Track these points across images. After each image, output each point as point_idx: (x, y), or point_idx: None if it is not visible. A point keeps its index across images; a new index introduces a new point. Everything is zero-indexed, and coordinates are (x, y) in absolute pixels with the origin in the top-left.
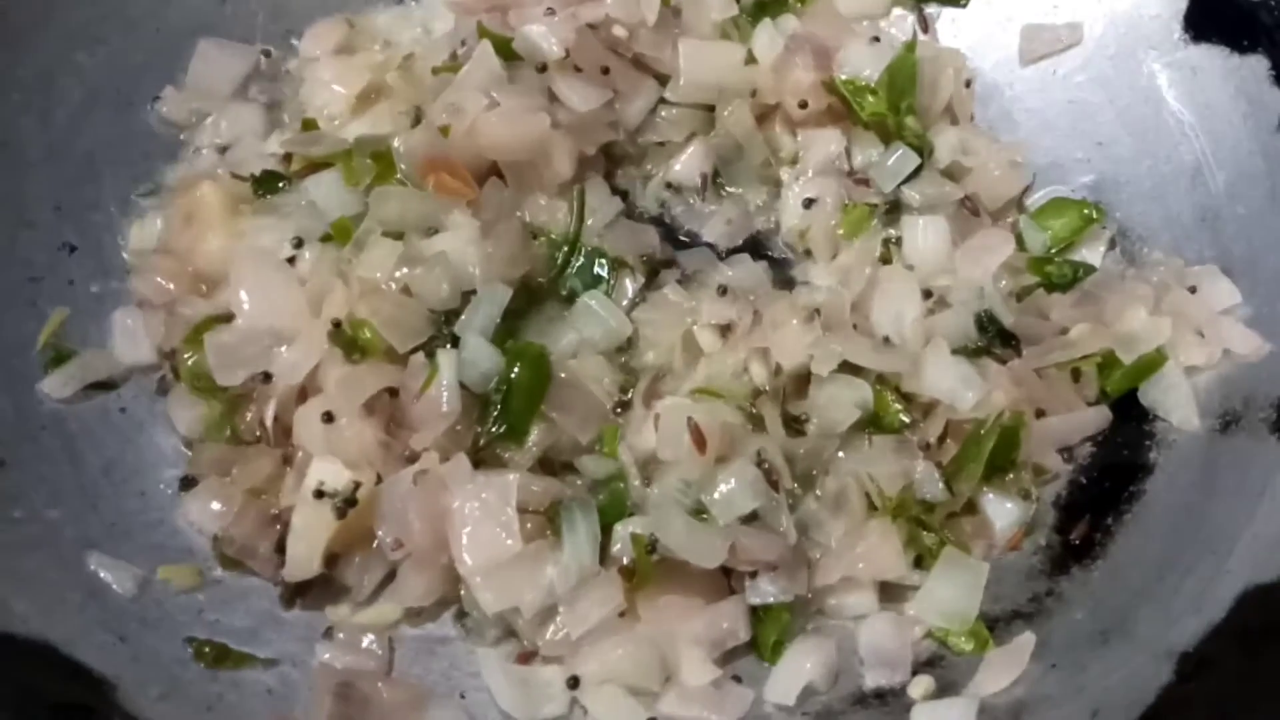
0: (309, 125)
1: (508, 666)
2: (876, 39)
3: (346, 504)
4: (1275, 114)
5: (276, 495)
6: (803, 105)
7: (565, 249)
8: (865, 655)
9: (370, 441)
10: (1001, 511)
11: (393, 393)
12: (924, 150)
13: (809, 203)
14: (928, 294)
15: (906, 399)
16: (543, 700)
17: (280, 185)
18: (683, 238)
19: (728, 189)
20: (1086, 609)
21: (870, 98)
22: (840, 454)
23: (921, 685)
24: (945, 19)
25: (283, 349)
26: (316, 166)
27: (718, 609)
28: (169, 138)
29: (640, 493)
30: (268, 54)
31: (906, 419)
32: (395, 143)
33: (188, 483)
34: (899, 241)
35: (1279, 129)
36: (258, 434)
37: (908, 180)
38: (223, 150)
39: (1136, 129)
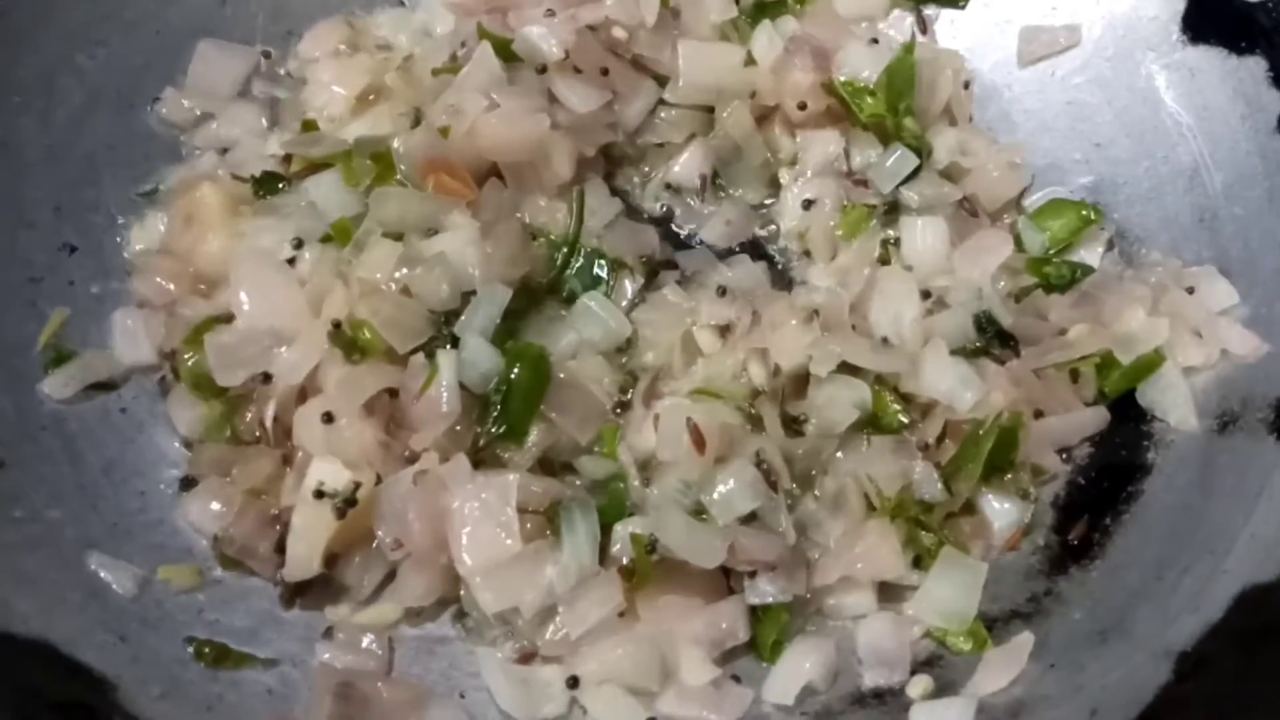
0: (309, 126)
1: (507, 666)
2: (875, 40)
3: (346, 504)
4: (1273, 115)
5: (276, 495)
6: (802, 106)
7: (565, 250)
8: (864, 655)
9: (370, 442)
10: (1000, 512)
11: (392, 393)
12: (923, 151)
13: (808, 204)
14: (926, 295)
15: (905, 399)
16: (542, 700)
17: (280, 186)
18: (682, 238)
19: (727, 190)
20: (1085, 609)
21: (869, 99)
22: (839, 454)
23: (920, 685)
24: (944, 20)
25: (283, 349)
26: (316, 167)
27: (717, 609)
28: (169, 139)
29: (639, 493)
30: (268, 55)
31: (905, 419)
32: (395, 144)
33: (188, 483)
34: (898, 242)
35: (1277, 130)
36: (258, 434)
37: (906, 181)
38: (223, 151)
39: (1135, 130)
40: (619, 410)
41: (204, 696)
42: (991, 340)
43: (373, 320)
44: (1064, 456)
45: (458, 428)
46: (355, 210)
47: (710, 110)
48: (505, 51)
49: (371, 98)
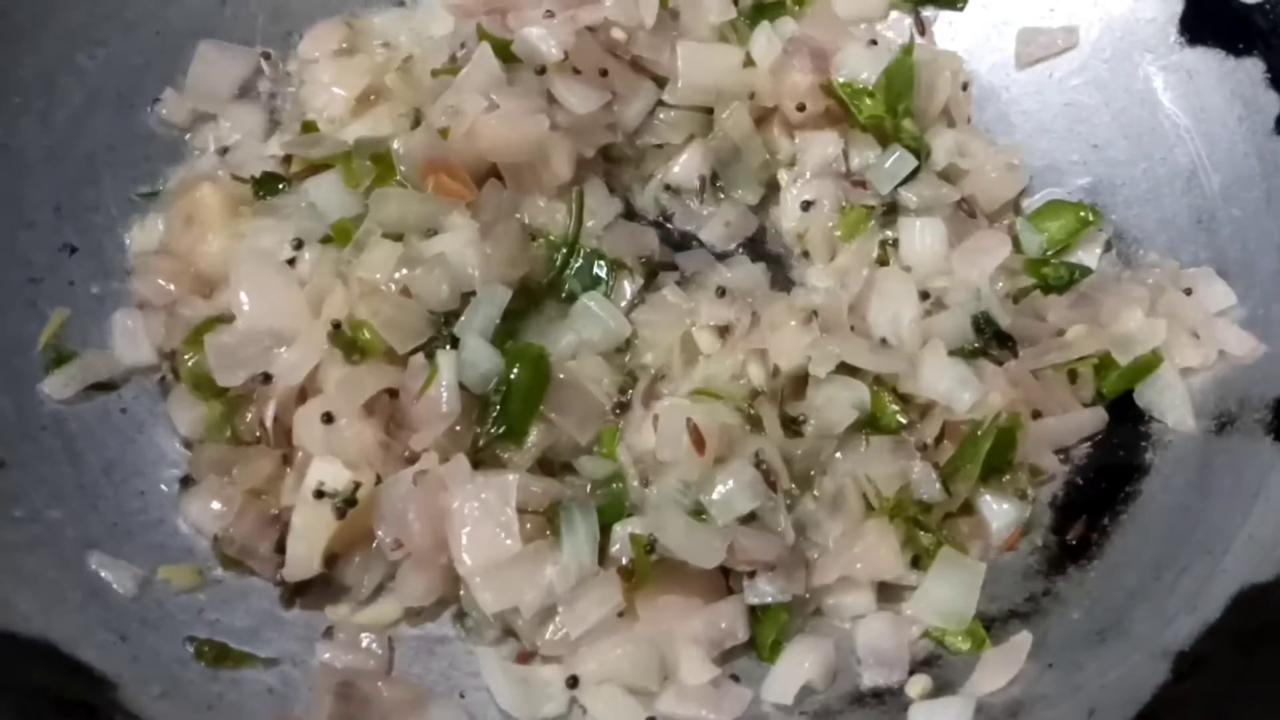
0: (309, 127)
1: (507, 666)
2: (874, 42)
3: (346, 504)
4: (1270, 117)
5: (276, 495)
6: (800, 108)
7: (564, 250)
8: (863, 655)
9: (370, 442)
10: (998, 512)
11: (392, 393)
12: (921, 152)
13: (807, 205)
14: (925, 295)
15: (904, 400)
16: (542, 700)
17: (280, 187)
18: (681, 239)
19: (726, 191)
20: (1083, 609)
21: (868, 100)
22: (838, 455)
23: (919, 684)
24: (942, 22)
25: (283, 350)
26: (316, 168)
27: (716, 609)
28: (169, 139)
29: (639, 493)
30: (267, 56)
31: (904, 420)
32: (395, 144)
33: (188, 483)
34: (896, 243)
35: (1274, 132)
36: (258, 434)
37: (905, 182)
38: (223, 152)
39: (1132, 132)
40: (618, 411)
41: (204, 696)
42: (990, 341)
43: (373, 321)
44: (1062, 457)
45: (457, 428)
46: (355, 211)
47: (709, 111)
48: (505, 53)
49: (371, 98)
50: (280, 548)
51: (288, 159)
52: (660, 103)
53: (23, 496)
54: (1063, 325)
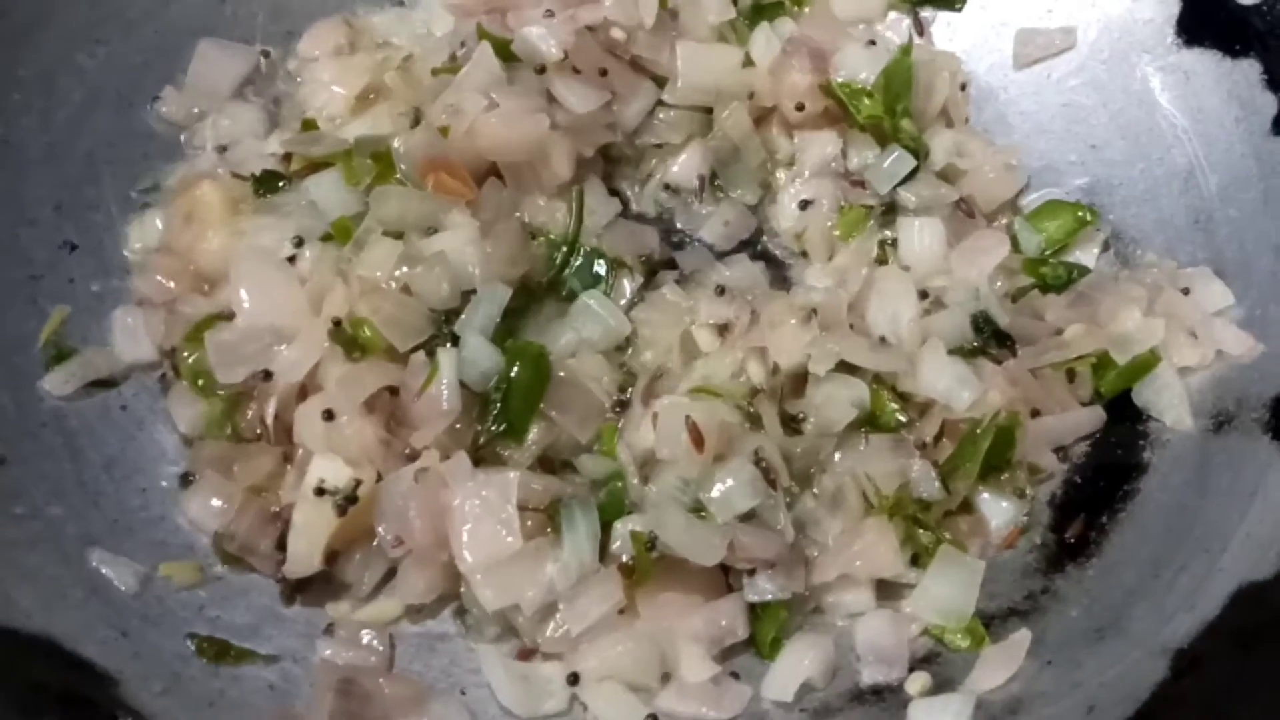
0: (308, 125)
1: (508, 663)
2: (872, 42)
3: (347, 501)
4: (1267, 118)
5: (277, 492)
6: (799, 108)
7: (564, 249)
8: (862, 652)
9: (371, 439)
10: (997, 510)
11: (393, 391)
12: (919, 152)
13: (805, 204)
14: (924, 295)
15: (903, 398)
16: (543, 696)
17: (280, 185)
18: (680, 239)
19: (725, 190)
20: (1082, 606)
21: (866, 100)
22: (837, 453)
23: (918, 682)
24: (940, 23)
25: (283, 347)
26: (316, 166)
27: (716, 606)
28: (169, 137)
29: (639, 491)
30: (267, 54)
31: (903, 418)
32: (395, 143)
33: (188, 480)
34: (895, 243)
35: (1271, 132)
36: (258, 431)
37: (903, 182)
38: (222, 150)
39: (1130, 132)
40: (618, 409)
41: (205, 692)
42: (988, 340)
43: (373, 318)
44: (1060, 456)
45: (458, 425)
46: (355, 209)
47: (708, 111)
48: (504, 52)
49: (371, 97)
50: (281, 545)
51: (287, 157)
52: (660, 102)
53: (23, 493)
54: (1061, 324)
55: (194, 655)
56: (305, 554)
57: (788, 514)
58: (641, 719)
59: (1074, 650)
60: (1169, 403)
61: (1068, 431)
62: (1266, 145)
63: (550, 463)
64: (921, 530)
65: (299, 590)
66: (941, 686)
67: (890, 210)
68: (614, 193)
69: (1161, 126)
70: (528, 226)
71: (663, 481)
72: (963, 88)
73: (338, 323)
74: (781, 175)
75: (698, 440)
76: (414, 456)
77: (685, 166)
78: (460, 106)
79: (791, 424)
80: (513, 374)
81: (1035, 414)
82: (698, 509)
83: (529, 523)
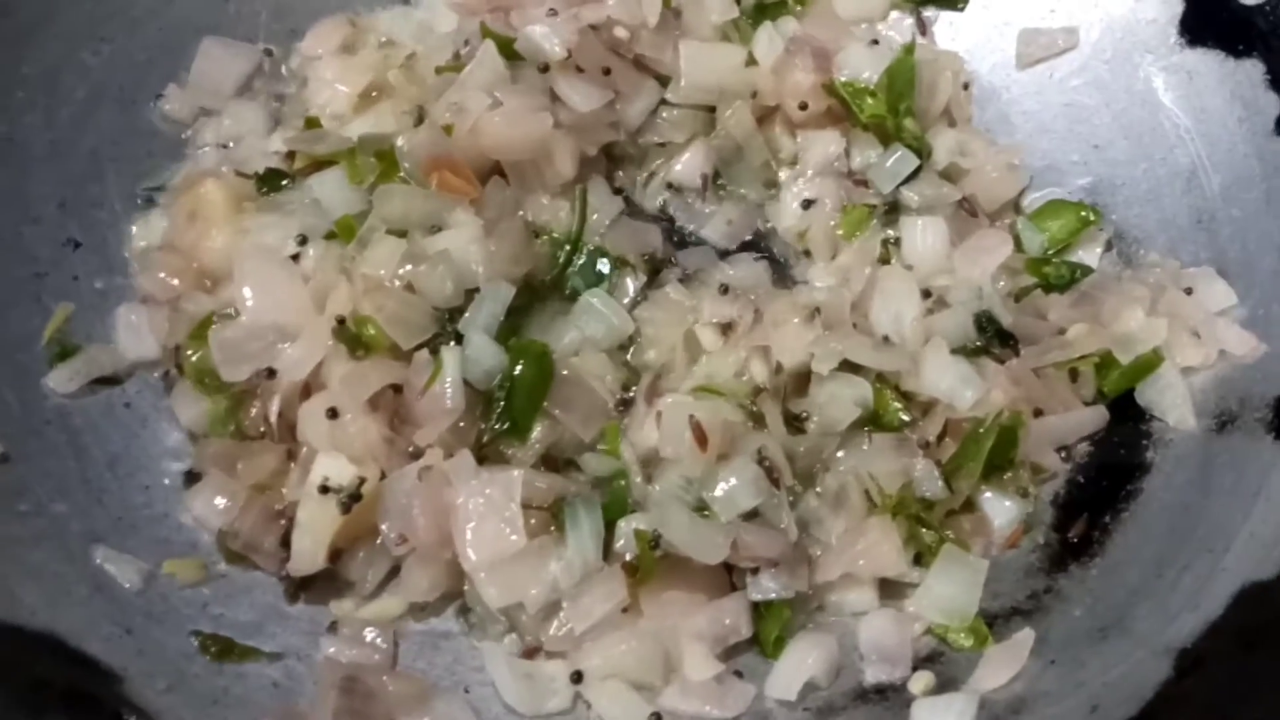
0: (312, 123)
1: (512, 661)
2: (875, 42)
3: (351, 499)
4: (1270, 117)
5: (281, 490)
6: (802, 107)
7: (567, 248)
8: (866, 651)
9: (374, 437)
10: (1000, 509)
11: (397, 389)
12: (922, 152)
13: (808, 203)
14: (927, 294)
15: (906, 398)
16: (547, 695)
17: (284, 183)
18: (684, 237)
19: (728, 189)
20: (1085, 606)
21: (869, 100)
22: (840, 452)
23: (922, 681)
24: (943, 22)
25: (287, 345)
26: (320, 164)
27: (720, 605)
28: (173, 135)
29: (642, 490)
30: (270, 53)
31: (906, 417)
32: (398, 141)
33: (192, 478)
34: (898, 242)
35: (1274, 132)
36: (262, 429)
37: (906, 181)
38: (226, 148)
39: (1133, 132)
40: (621, 407)
41: (209, 690)
42: (991, 339)
43: (377, 316)
44: (1063, 455)
45: (462, 424)
46: (359, 207)
47: (712, 110)
48: (508, 50)
49: (374, 95)
50: (285, 542)
51: (291, 155)
52: (663, 101)
53: (28, 490)
54: (1064, 324)
55: (198, 653)
56: (309, 552)
57: (791, 513)
58: (645, 717)
59: (1077, 650)
60: (1172, 402)
61: (1071, 431)
62: (1269, 145)
63: (554, 461)
64: (924, 529)
65: (303, 588)
66: (945, 686)
67: (893, 209)
68: (617, 191)
69: (1164, 126)
70: (531, 225)
71: (666, 480)
72: (965, 87)
73: (341, 321)
74: (784, 174)
75: (701, 439)
76: (418, 455)
77: (688, 165)
78: (464, 105)
79: (795, 423)
80: (516, 372)
81: (1038, 413)
82: (701, 508)
83: (532, 521)
